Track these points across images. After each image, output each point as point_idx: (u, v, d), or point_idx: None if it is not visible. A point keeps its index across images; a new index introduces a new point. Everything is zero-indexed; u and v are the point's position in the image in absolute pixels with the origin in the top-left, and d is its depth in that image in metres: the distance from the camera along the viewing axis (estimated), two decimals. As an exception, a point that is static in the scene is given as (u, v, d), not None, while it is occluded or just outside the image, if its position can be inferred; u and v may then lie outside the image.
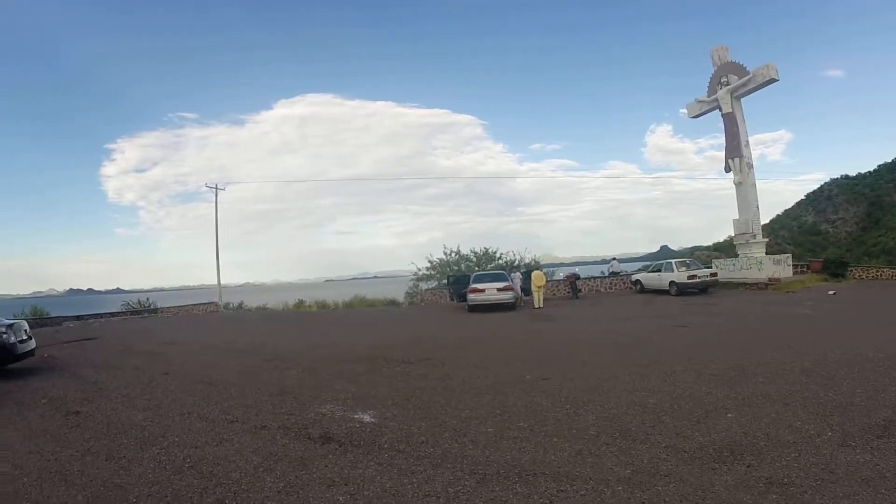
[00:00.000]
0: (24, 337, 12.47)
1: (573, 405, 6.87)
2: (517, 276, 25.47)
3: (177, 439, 6.58)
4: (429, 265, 35.29)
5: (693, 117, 34.28)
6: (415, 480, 4.72)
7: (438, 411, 7.04)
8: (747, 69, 29.98)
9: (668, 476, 4.38)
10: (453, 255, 34.93)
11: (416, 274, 35.68)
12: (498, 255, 34.94)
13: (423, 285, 35.34)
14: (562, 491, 4.27)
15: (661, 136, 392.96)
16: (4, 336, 11.69)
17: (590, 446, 5.27)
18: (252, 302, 42.15)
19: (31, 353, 12.70)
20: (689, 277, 25.44)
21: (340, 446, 5.83)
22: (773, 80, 29.45)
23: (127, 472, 5.58)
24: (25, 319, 16.96)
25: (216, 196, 43.26)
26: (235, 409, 7.86)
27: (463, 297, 24.41)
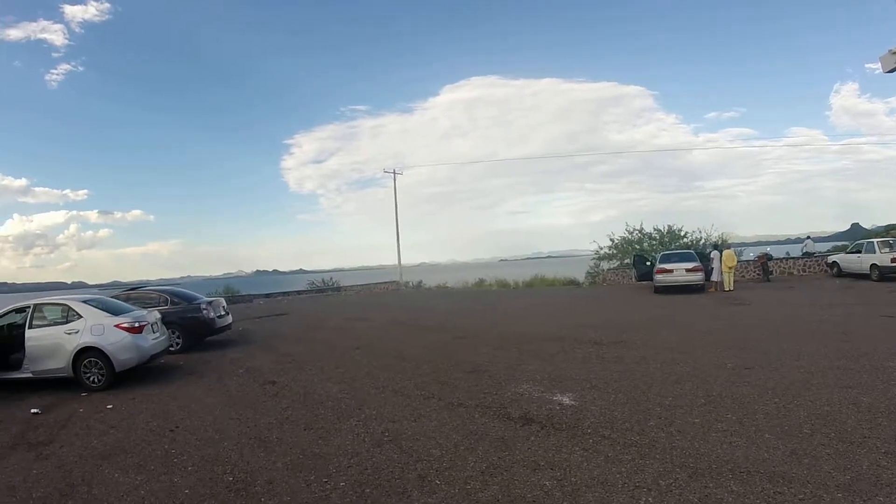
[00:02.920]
0: (222, 312, 14.25)
1: (781, 399, 6.35)
2: (716, 254, 23.69)
3: (373, 412, 6.69)
4: (610, 244, 34.35)
5: (888, 72, 28.40)
6: (623, 469, 4.53)
7: (640, 397, 6.76)
8: None
9: (891, 486, 3.98)
10: (636, 233, 33.65)
11: (597, 253, 34.86)
12: (683, 233, 32.86)
13: (605, 265, 34.53)
14: (779, 493, 3.97)
15: (846, 97, 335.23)
16: (204, 311, 13.39)
17: (804, 446, 4.86)
18: (430, 281, 44.08)
19: (228, 326, 14.48)
20: (893, 260, 21.44)
21: (542, 428, 5.72)
22: None
23: (325, 443, 5.70)
24: (224, 297, 19.15)
25: (394, 180, 45.73)
26: (430, 386, 7.92)
27: (647, 277, 24.37)
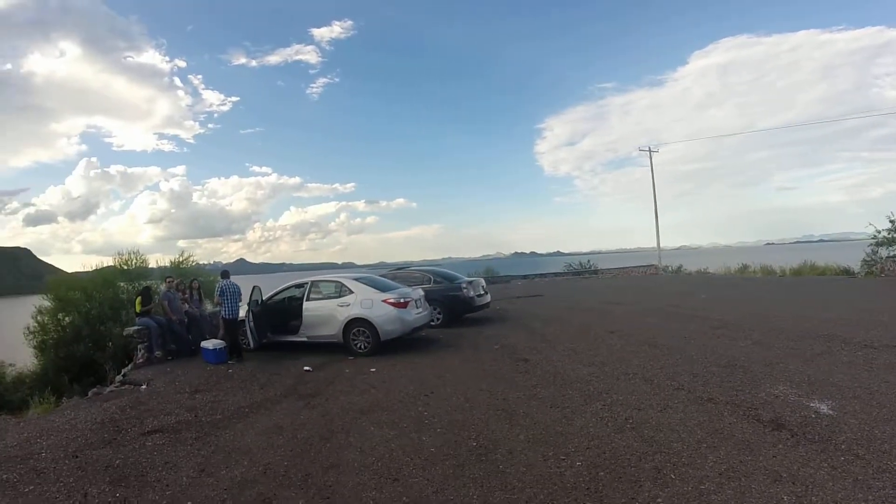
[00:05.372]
0: (482, 292, 15.49)
1: None
2: None
3: (620, 398, 6.75)
4: (890, 226, 28.40)
5: None
6: (871, 498, 4.02)
7: (907, 416, 5.86)
8: None
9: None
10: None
11: (874, 237, 29.15)
12: None
13: (884, 251, 28.68)
14: None
15: None
16: (465, 290, 14.72)
17: None
18: (690, 265, 41.87)
19: (486, 305, 15.72)
20: None
21: (792, 436, 5.25)
22: None
23: (568, 422, 5.94)
24: (483, 277, 20.58)
25: (650, 159, 43.97)
26: (681, 376, 7.69)
27: None
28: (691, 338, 10.56)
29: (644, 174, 43.18)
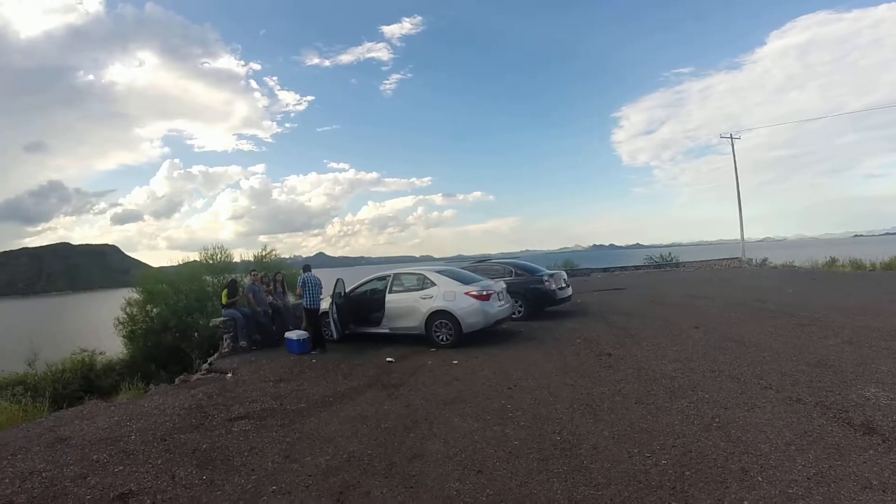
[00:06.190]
0: (563, 285, 15.47)
1: None
2: None
3: (706, 396, 6.63)
4: None
5: None
6: None
7: None
8: None
9: None
10: None
11: None
12: None
13: None
14: None
15: None
16: (546, 283, 14.74)
17: None
18: (775, 258, 40.24)
19: (568, 298, 15.73)
20: None
21: (884, 442, 5.04)
22: None
23: (654, 419, 5.89)
24: (563, 270, 20.52)
25: (732, 147, 41.99)
26: (769, 375, 7.46)
27: None
28: (779, 334, 10.21)
29: (725, 162, 41.62)
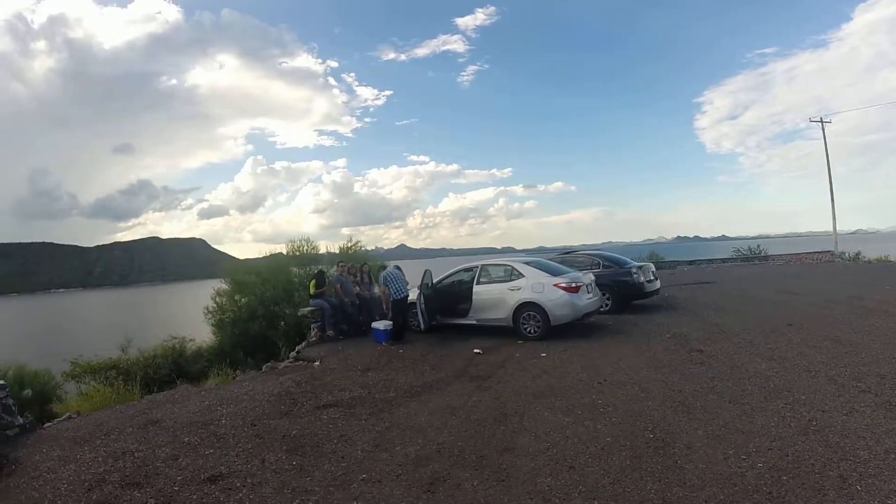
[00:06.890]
0: (651, 278, 15.30)
1: None
2: None
3: (803, 397, 6.46)
4: None
5: None
6: None
7: None
8: None
9: None
10: None
11: None
12: None
13: None
14: None
15: None
16: (635, 275, 14.56)
17: None
18: (869, 252, 37.82)
19: (656, 292, 15.51)
20: None
21: None
22: None
23: (749, 420, 5.80)
24: (651, 262, 20.20)
25: (823, 131, 40.30)
26: (868, 377, 7.15)
27: None
28: (877, 334, 9.74)
29: (815, 148, 39.30)
